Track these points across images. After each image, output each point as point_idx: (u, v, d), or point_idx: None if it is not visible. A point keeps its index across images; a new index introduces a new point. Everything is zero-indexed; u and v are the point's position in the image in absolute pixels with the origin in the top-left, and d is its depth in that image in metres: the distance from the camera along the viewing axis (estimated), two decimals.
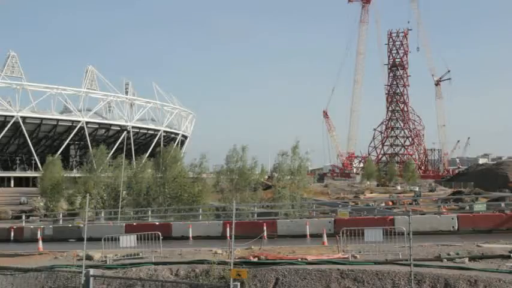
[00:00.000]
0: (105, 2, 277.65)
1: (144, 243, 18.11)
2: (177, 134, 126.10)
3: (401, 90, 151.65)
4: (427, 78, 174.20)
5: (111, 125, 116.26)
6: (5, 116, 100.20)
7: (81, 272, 13.64)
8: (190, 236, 27.19)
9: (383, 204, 48.16)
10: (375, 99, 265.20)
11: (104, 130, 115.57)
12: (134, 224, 31.88)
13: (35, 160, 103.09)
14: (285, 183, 49.32)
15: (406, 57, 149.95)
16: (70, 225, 34.60)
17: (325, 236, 21.56)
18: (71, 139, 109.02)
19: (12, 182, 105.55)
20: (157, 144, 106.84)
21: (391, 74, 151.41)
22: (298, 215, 37.15)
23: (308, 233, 25.16)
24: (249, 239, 20.02)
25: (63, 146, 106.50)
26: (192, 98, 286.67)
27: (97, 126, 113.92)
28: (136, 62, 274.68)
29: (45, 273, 15.72)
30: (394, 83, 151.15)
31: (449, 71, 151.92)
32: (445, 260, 14.95)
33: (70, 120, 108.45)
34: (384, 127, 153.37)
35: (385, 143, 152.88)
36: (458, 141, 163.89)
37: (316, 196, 65.91)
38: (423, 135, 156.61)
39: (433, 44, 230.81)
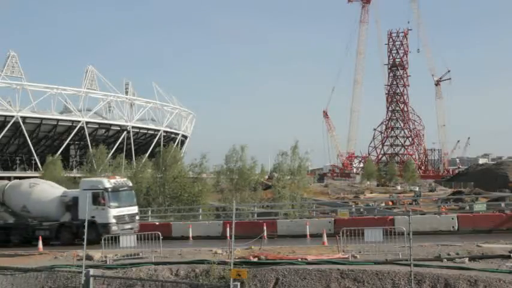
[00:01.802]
0: (105, 2, 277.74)
1: (144, 243, 18.12)
2: (177, 134, 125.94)
3: (401, 90, 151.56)
4: (427, 78, 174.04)
5: (111, 125, 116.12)
6: (5, 116, 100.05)
7: (81, 272, 13.67)
8: (190, 236, 27.24)
9: (383, 204, 48.14)
10: (375, 99, 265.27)
11: (104, 130, 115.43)
12: None
13: (35, 160, 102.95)
14: (285, 183, 49.31)
15: (406, 57, 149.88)
16: None
17: (325, 236, 21.58)
18: (71, 139, 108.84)
19: None
20: (157, 144, 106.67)
21: (391, 74, 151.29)
22: (298, 215, 37.16)
23: (308, 233, 25.18)
24: (249, 239, 20.03)
25: (63, 146, 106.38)
26: (192, 98, 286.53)
27: (97, 126, 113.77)
28: (136, 62, 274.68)
29: (45, 273, 15.73)
30: (394, 83, 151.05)
31: (449, 71, 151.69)
32: (445, 260, 14.96)
33: (70, 120, 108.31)
34: (384, 127, 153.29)
35: (385, 143, 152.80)
36: (458, 141, 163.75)
37: (316, 196, 65.95)
38: (423, 135, 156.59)
39: (433, 44, 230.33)
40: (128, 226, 26.26)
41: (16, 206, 28.01)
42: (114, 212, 25.81)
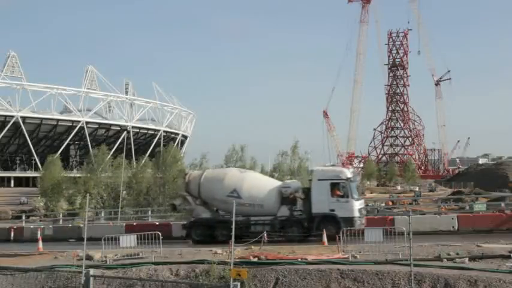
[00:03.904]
0: (105, 2, 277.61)
1: (144, 243, 18.11)
2: (177, 134, 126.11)
3: (401, 90, 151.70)
4: (427, 78, 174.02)
5: (111, 125, 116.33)
6: (5, 116, 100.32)
7: (81, 272, 13.68)
8: None
9: (383, 204, 48.11)
10: (375, 99, 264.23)
11: (104, 130, 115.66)
12: (134, 224, 31.91)
13: (35, 160, 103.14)
14: None
15: (406, 57, 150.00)
16: (70, 225, 34.65)
17: (325, 236, 21.57)
18: (71, 139, 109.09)
19: (12, 182, 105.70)
20: (157, 144, 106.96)
21: (391, 74, 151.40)
22: None
23: None
24: (249, 239, 20.06)
25: (63, 146, 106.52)
26: (192, 98, 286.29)
27: (97, 126, 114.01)
28: (136, 62, 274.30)
29: (45, 273, 15.74)
30: (394, 83, 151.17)
31: (449, 71, 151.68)
32: (445, 260, 14.96)
33: (70, 120, 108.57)
34: (384, 127, 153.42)
35: (385, 143, 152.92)
36: (458, 141, 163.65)
37: None
38: (423, 135, 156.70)
39: (433, 44, 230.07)
40: (363, 220, 23.76)
41: (221, 194, 24.34)
42: (357, 204, 23.25)
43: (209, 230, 24.18)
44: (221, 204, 24.63)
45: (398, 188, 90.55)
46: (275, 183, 25.94)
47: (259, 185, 24.97)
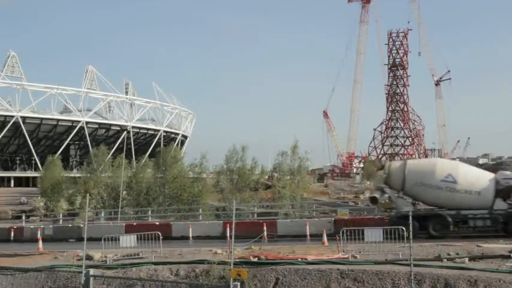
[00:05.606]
0: (105, 2, 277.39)
1: (144, 243, 18.10)
2: (177, 134, 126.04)
3: (401, 90, 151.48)
4: (427, 78, 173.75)
5: (111, 125, 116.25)
6: (5, 116, 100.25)
7: (81, 272, 13.70)
8: (190, 236, 27.26)
9: None
10: (375, 99, 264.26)
11: (104, 130, 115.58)
12: (134, 224, 31.94)
13: (35, 160, 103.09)
14: (285, 183, 49.35)
15: (406, 57, 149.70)
16: (70, 225, 34.65)
17: (325, 236, 21.58)
18: (71, 139, 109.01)
19: (12, 182, 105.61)
20: (158, 144, 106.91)
21: (391, 74, 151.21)
22: (298, 215, 37.19)
23: (308, 233, 25.22)
24: (249, 239, 20.07)
25: (63, 146, 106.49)
26: (192, 98, 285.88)
27: (97, 126, 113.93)
28: (136, 62, 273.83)
29: (45, 273, 15.75)
30: (394, 83, 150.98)
31: (449, 71, 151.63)
32: (445, 260, 14.97)
33: (70, 120, 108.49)
34: (384, 127, 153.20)
35: (385, 143, 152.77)
36: (458, 141, 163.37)
37: (316, 196, 65.85)
38: (423, 135, 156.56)
39: (433, 44, 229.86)
40: None
41: (434, 180, 22.42)
42: None
43: (418, 224, 21.64)
44: (431, 192, 22.66)
45: None
46: (489, 172, 24.44)
47: (474, 171, 23.68)
